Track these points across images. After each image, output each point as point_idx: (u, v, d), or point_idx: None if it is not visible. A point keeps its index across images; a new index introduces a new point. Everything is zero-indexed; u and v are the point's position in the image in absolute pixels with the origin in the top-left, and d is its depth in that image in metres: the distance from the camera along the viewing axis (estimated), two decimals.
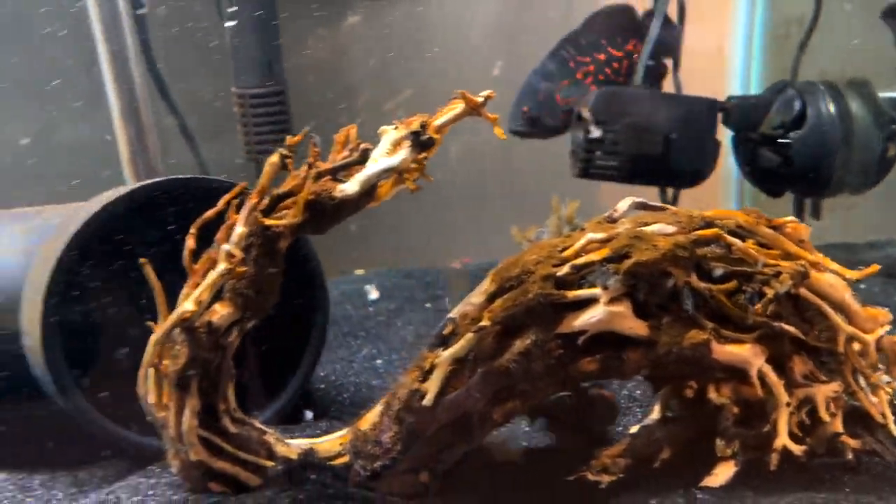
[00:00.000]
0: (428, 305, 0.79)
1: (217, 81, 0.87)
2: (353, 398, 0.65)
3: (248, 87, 0.80)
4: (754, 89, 0.88)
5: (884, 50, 0.85)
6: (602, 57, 0.73)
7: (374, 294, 0.84)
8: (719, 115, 0.77)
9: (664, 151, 0.75)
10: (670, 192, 0.87)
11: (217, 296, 0.49)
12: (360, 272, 0.93)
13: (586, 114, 0.75)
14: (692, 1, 0.84)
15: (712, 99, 0.80)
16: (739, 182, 0.90)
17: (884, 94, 0.77)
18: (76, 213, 0.55)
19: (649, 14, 0.76)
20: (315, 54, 0.95)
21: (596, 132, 0.74)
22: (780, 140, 0.76)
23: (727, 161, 0.81)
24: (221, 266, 0.45)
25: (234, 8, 0.79)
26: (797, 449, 0.50)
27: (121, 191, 0.54)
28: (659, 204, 0.54)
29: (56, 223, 0.60)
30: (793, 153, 0.76)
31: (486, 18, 1.00)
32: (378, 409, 0.55)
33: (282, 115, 0.80)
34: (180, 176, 0.55)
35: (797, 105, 0.76)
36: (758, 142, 0.78)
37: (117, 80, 0.81)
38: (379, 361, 0.70)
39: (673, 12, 0.83)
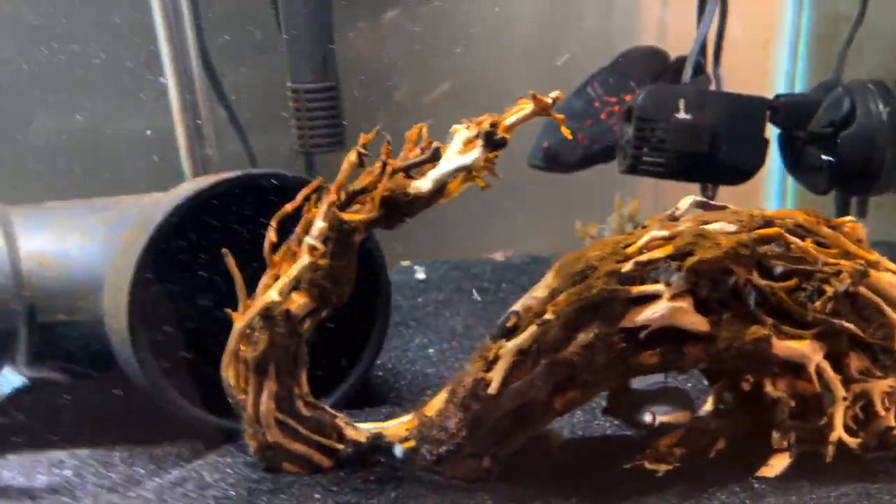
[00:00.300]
0: (476, 296, 0.81)
1: (269, 75, 0.90)
2: (409, 386, 0.67)
3: (303, 82, 0.82)
4: (800, 86, 0.88)
5: None
6: (629, 98, 0.74)
7: (421, 275, 0.86)
8: (767, 113, 0.79)
9: (711, 149, 0.77)
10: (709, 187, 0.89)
11: (295, 285, 0.52)
12: (406, 263, 0.96)
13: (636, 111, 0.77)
14: None
15: (760, 97, 0.81)
16: (782, 180, 0.91)
17: None
18: (157, 205, 0.58)
19: (681, 59, 0.77)
20: (360, 51, 0.97)
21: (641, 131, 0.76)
22: (830, 140, 0.78)
23: (770, 159, 0.82)
24: (305, 259, 0.48)
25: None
26: (852, 442, 0.52)
27: (201, 184, 0.56)
28: (720, 203, 0.56)
29: (132, 213, 0.63)
30: (841, 152, 0.77)
31: (527, 14, 1.01)
32: (443, 396, 0.57)
33: (334, 111, 0.82)
34: (257, 170, 0.58)
35: (846, 104, 0.77)
36: (806, 140, 0.80)
37: (177, 72, 0.83)
38: (431, 350, 0.72)
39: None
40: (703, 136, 0.78)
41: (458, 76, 1.00)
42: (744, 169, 0.80)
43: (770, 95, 0.86)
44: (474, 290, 0.79)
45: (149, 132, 0.84)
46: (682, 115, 0.77)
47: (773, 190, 0.92)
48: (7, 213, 0.64)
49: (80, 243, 0.62)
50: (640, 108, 0.79)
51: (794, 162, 0.83)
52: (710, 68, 0.84)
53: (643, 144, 0.79)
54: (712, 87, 0.79)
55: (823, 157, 0.77)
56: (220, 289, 0.57)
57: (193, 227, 0.59)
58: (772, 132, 0.83)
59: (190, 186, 0.58)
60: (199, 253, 0.58)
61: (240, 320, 0.51)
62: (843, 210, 0.88)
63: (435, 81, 1.00)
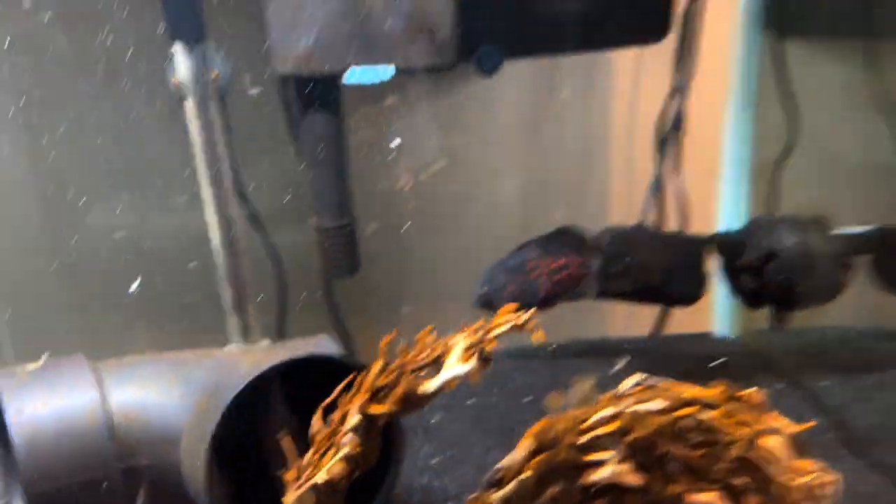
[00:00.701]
0: (468, 402, 0.98)
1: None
2: (426, 487, 0.85)
3: (325, 223, 0.98)
4: (742, 220, 1.04)
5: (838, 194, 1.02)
6: (553, 265, 0.91)
7: None
8: (704, 251, 0.95)
9: (662, 281, 0.94)
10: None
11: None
12: None
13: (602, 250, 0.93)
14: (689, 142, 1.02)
15: (701, 237, 0.97)
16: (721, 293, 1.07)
17: (842, 230, 0.94)
18: (233, 371, 0.74)
19: (600, 234, 0.95)
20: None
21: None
22: (759, 269, 0.94)
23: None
24: (345, 451, 0.64)
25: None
26: None
27: (262, 365, 0.73)
28: (655, 381, 0.73)
29: (204, 372, 0.79)
30: (768, 281, 0.94)
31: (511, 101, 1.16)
32: None
33: (349, 250, 0.98)
34: (308, 354, 0.74)
35: (769, 241, 0.94)
36: (740, 269, 0.97)
37: (210, 170, 0.97)
38: (434, 460, 0.89)
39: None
40: (652, 270, 0.96)
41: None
42: (688, 297, 0.97)
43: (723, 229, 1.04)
44: (470, 400, 0.97)
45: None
46: (638, 254, 0.95)
47: (719, 300, 1.09)
48: (99, 370, 0.81)
49: (158, 400, 0.79)
50: (607, 248, 0.96)
51: (735, 286, 1.00)
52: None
53: (607, 276, 0.96)
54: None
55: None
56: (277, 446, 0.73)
57: (260, 398, 0.75)
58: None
59: (251, 363, 0.74)
60: (264, 416, 0.75)
61: (291, 494, 0.68)
62: (778, 319, 1.05)
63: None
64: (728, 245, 0.95)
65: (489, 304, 0.93)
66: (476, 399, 0.99)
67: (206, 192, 0.95)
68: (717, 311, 1.09)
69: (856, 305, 0.95)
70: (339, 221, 0.97)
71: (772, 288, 0.93)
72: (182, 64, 0.89)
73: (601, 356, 1.08)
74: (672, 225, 1.09)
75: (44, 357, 0.82)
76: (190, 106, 0.90)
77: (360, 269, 1.00)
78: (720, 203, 1.05)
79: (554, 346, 1.09)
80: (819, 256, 0.90)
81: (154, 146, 0.99)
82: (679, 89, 1.01)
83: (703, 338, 1.11)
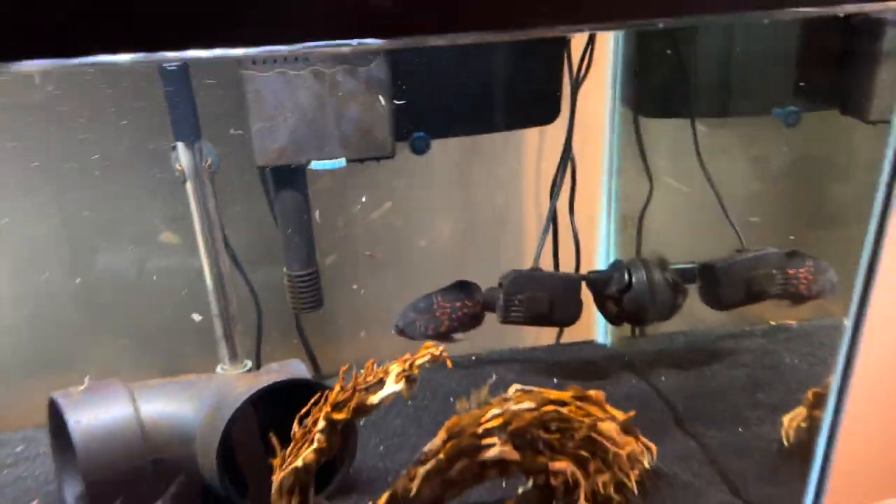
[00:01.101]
0: (408, 403, 1.29)
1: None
2: (368, 477, 1.15)
3: (293, 271, 1.27)
4: (610, 260, 1.37)
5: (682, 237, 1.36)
6: (451, 306, 1.22)
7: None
8: (580, 285, 1.27)
9: (549, 309, 1.25)
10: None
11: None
12: None
13: (503, 286, 1.24)
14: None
15: (578, 275, 1.29)
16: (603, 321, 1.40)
17: (676, 265, 1.27)
18: (229, 394, 1.03)
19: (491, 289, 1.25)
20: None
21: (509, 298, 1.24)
22: (618, 298, 1.27)
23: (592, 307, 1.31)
24: (315, 445, 0.94)
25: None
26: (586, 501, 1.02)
27: (254, 385, 1.02)
28: (529, 388, 1.03)
29: (211, 392, 1.08)
30: (625, 305, 1.26)
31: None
32: (385, 495, 1.04)
33: (315, 288, 1.27)
34: (292, 378, 1.03)
35: (626, 276, 1.26)
36: (606, 298, 1.29)
37: (203, 230, 1.25)
38: (381, 448, 1.20)
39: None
40: (542, 301, 1.27)
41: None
42: (569, 319, 1.28)
43: (597, 262, 1.36)
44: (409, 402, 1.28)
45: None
46: (529, 291, 1.26)
47: (601, 322, 1.41)
48: (131, 389, 1.08)
49: (177, 412, 1.07)
50: (507, 285, 1.26)
51: (603, 310, 1.32)
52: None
53: (509, 307, 1.27)
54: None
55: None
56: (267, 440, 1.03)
57: (255, 410, 1.04)
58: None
59: (247, 385, 1.03)
60: (261, 418, 1.04)
61: (278, 475, 0.97)
62: (633, 331, 1.38)
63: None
64: (597, 281, 1.27)
65: (403, 334, 1.24)
66: (413, 402, 1.30)
67: (202, 247, 1.23)
68: (598, 324, 1.42)
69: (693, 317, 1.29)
70: (306, 270, 1.25)
71: (628, 312, 1.25)
72: (183, 156, 1.17)
73: (512, 362, 1.40)
74: (567, 257, 1.40)
75: (86, 380, 1.09)
76: (189, 186, 1.19)
77: (323, 305, 1.29)
78: (598, 245, 1.38)
79: (474, 357, 1.40)
80: (659, 287, 1.23)
81: (162, 211, 1.27)
82: (563, 159, 1.32)
83: (588, 345, 1.44)
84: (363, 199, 1.39)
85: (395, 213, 1.40)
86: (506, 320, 1.24)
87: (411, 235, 1.43)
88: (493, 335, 1.43)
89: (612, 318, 1.29)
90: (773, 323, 1.41)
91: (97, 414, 1.03)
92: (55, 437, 1.09)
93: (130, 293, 1.30)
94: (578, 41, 1.25)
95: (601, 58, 1.28)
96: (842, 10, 0.72)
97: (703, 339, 1.38)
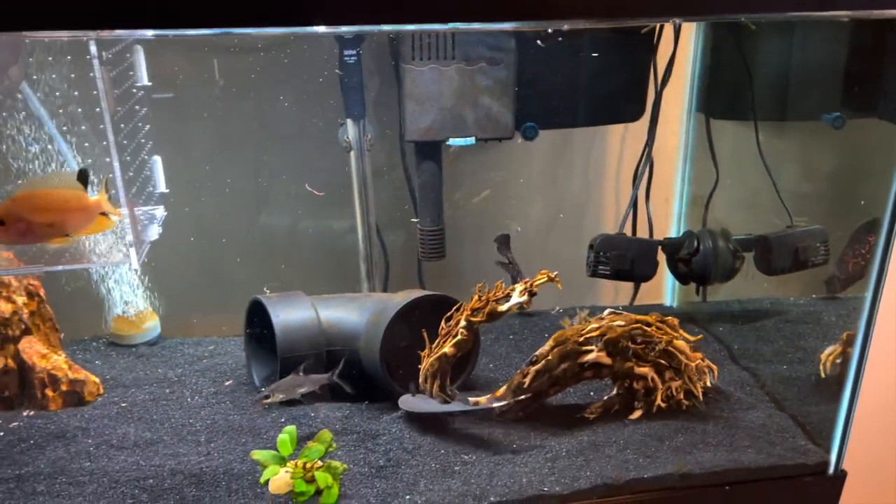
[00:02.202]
0: (510, 336, 1.59)
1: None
2: (483, 382, 1.45)
3: (425, 226, 1.59)
4: (682, 231, 1.66)
5: (740, 215, 1.64)
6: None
7: None
8: (658, 249, 1.56)
9: (630, 266, 1.54)
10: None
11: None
12: None
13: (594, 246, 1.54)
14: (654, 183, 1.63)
15: (656, 240, 1.58)
16: (673, 280, 1.68)
17: (737, 236, 1.54)
18: (387, 304, 1.34)
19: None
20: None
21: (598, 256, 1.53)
22: (688, 260, 1.55)
23: (664, 269, 1.60)
24: (458, 338, 1.24)
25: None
26: (663, 404, 1.29)
27: (410, 297, 1.33)
28: (619, 310, 1.32)
29: (370, 304, 1.39)
30: (693, 267, 1.55)
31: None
32: (504, 387, 1.34)
33: (440, 242, 1.59)
34: (434, 293, 1.34)
35: (696, 243, 1.54)
36: (677, 260, 1.57)
37: (359, 192, 1.58)
38: (491, 365, 1.50)
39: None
40: (626, 259, 1.56)
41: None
42: (646, 276, 1.57)
43: (671, 234, 1.65)
44: (511, 336, 1.58)
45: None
46: (615, 250, 1.55)
47: (669, 282, 1.70)
48: (312, 301, 1.41)
49: (347, 314, 1.39)
50: (598, 245, 1.56)
51: (673, 270, 1.61)
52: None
53: (598, 263, 1.56)
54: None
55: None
56: (415, 341, 1.33)
57: (409, 315, 1.35)
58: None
59: (402, 298, 1.34)
60: (410, 326, 1.35)
61: (427, 358, 1.28)
62: (698, 291, 1.66)
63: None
64: (671, 246, 1.56)
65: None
66: (513, 335, 1.59)
67: (356, 206, 1.57)
68: (666, 290, 1.70)
69: (746, 284, 1.56)
70: (435, 226, 1.57)
71: (695, 272, 1.53)
72: (351, 131, 1.51)
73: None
74: (641, 233, 1.69)
75: (266, 291, 1.42)
76: (352, 155, 1.53)
77: (445, 256, 1.61)
78: (672, 220, 1.67)
79: (562, 309, 1.70)
80: (722, 253, 1.51)
81: (328, 176, 1.60)
82: (647, 152, 1.62)
83: (658, 306, 1.72)
84: (486, 192, 1.72)
85: (494, 189, 1.72)
86: (593, 274, 1.54)
87: (507, 208, 1.75)
88: (576, 296, 1.73)
89: (681, 278, 1.57)
90: (814, 296, 1.67)
91: (290, 312, 1.36)
92: (249, 332, 1.43)
93: (298, 236, 1.64)
94: (663, 51, 1.55)
95: (679, 67, 1.59)
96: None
97: (755, 304, 1.65)
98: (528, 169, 1.74)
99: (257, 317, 1.40)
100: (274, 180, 1.61)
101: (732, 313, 1.64)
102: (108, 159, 0.93)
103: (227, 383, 1.43)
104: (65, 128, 1.12)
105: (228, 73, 1.49)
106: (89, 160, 1.11)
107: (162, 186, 1.06)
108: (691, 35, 1.59)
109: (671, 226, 1.69)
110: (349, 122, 1.51)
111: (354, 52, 1.46)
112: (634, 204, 1.67)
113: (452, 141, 1.49)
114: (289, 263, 1.63)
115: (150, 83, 1.01)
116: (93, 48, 0.88)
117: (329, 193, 1.58)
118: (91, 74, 0.88)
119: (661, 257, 1.57)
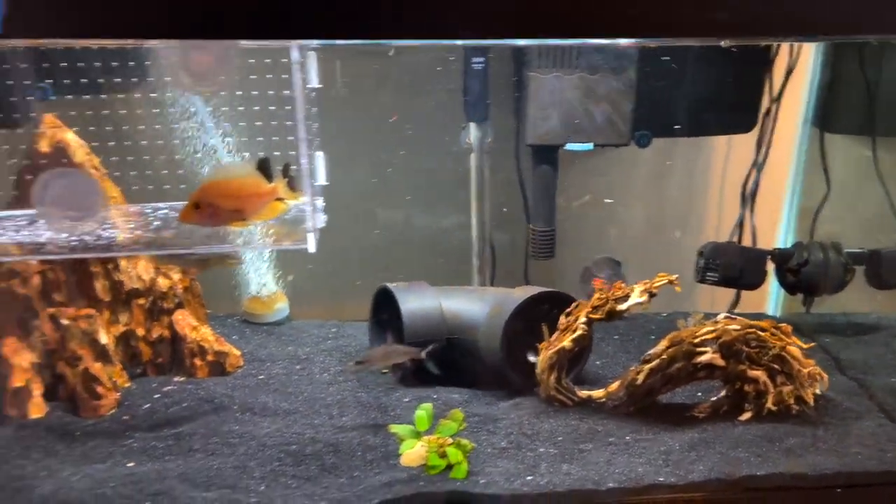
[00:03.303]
0: (615, 337, 1.65)
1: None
2: (592, 378, 1.52)
3: (538, 227, 1.67)
4: (790, 242, 1.69)
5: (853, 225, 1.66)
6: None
7: None
8: (767, 259, 1.60)
9: (739, 274, 1.59)
10: None
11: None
12: None
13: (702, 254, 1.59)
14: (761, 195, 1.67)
15: (765, 249, 1.62)
16: (778, 289, 1.71)
17: (848, 249, 1.57)
18: (508, 298, 1.43)
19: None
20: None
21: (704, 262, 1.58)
22: (797, 271, 1.58)
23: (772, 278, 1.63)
24: (578, 332, 1.32)
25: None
26: (773, 407, 1.33)
27: (529, 292, 1.41)
28: (732, 315, 1.37)
29: (489, 298, 1.48)
30: (802, 278, 1.58)
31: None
32: (617, 382, 1.40)
33: (550, 243, 1.66)
34: (552, 289, 1.42)
35: (805, 254, 1.58)
36: (786, 270, 1.61)
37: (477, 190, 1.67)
38: (598, 363, 1.57)
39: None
40: (735, 267, 1.60)
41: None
42: (754, 284, 1.61)
43: (779, 246, 1.69)
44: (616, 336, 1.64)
45: None
46: (725, 258, 1.60)
47: (774, 291, 1.73)
48: (435, 291, 1.51)
49: (467, 306, 1.49)
50: (708, 252, 1.61)
51: (782, 281, 1.64)
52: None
53: (707, 269, 1.61)
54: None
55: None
56: (534, 334, 1.41)
57: (528, 310, 1.43)
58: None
59: (521, 293, 1.43)
60: (530, 319, 1.43)
61: (544, 352, 1.36)
62: (805, 303, 1.68)
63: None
64: (780, 256, 1.59)
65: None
66: (618, 336, 1.66)
67: (472, 204, 1.66)
68: (769, 299, 1.73)
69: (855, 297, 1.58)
70: (548, 227, 1.65)
71: (804, 283, 1.57)
72: (473, 133, 1.60)
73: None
74: (748, 243, 1.73)
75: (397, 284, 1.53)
76: (473, 157, 1.62)
77: (555, 256, 1.68)
78: (779, 231, 1.70)
79: (665, 314, 1.75)
80: (833, 265, 1.54)
81: (446, 178, 1.70)
82: (758, 162, 1.66)
83: (760, 315, 1.75)
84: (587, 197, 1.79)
85: (604, 197, 1.79)
86: (702, 280, 1.59)
87: (613, 212, 1.81)
88: (675, 302, 1.78)
89: (789, 288, 1.60)
90: None
91: (416, 300, 1.46)
92: (374, 317, 1.54)
93: (418, 230, 1.74)
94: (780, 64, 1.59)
95: (796, 81, 1.62)
96: None
97: (861, 317, 1.66)
98: (635, 175, 1.80)
99: (383, 303, 1.51)
100: (397, 177, 1.71)
101: (838, 325, 1.66)
102: (291, 153, 1.04)
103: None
104: (242, 124, 1.25)
105: (362, 76, 1.60)
106: (259, 153, 1.24)
107: (323, 179, 1.17)
108: (811, 50, 1.62)
109: (778, 237, 1.73)
110: (472, 125, 1.60)
111: (482, 59, 1.55)
112: (743, 215, 1.71)
113: (570, 146, 1.57)
114: (405, 256, 1.74)
115: (320, 85, 1.12)
116: (294, 54, 1.00)
117: (446, 192, 1.68)
118: (284, 76, 1.00)
119: (770, 267, 1.61)
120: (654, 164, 1.80)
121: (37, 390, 1.35)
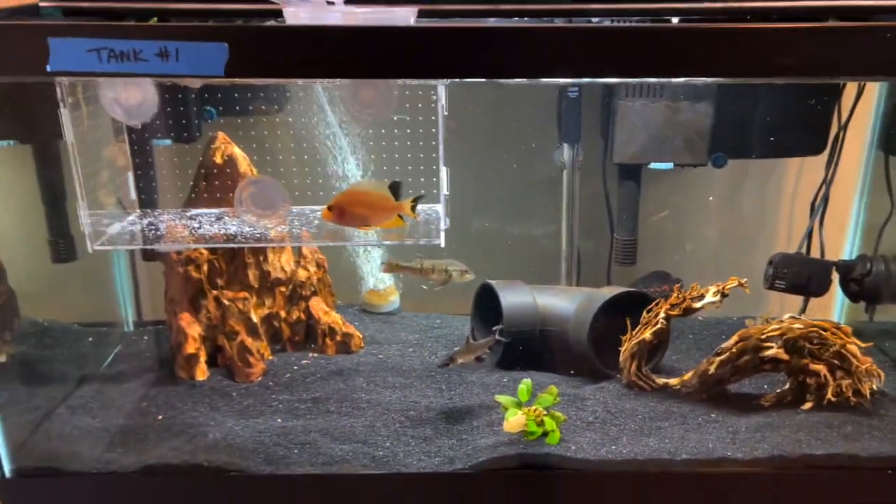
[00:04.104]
0: (691, 337, 1.83)
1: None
2: (670, 369, 1.70)
3: (622, 237, 1.87)
4: (854, 254, 1.84)
5: None
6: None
7: None
8: (833, 269, 1.75)
9: (806, 283, 1.75)
10: None
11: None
12: None
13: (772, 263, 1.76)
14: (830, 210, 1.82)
15: (830, 261, 1.77)
16: (842, 297, 1.86)
17: None
18: (595, 295, 1.64)
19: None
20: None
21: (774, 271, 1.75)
22: (860, 280, 1.73)
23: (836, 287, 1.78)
24: (658, 326, 1.51)
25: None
26: (833, 398, 1.48)
27: (615, 290, 1.62)
28: (797, 316, 1.53)
29: (577, 296, 1.70)
30: (864, 287, 1.73)
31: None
32: (691, 373, 1.59)
33: (632, 250, 1.86)
34: (633, 290, 1.62)
35: (868, 265, 1.72)
36: (850, 280, 1.75)
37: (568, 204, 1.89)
38: (674, 357, 1.75)
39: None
40: (803, 276, 1.76)
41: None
42: (820, 292, 1.77)
43: (845, 257, 1.83)
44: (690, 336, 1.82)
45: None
46: (794, 267, 1.76)
47: (839, 300, 1.87)
48: (531, 290, 1.73)
49: (558, 301, 1.70)
50: (777, 261, 1.77)
51: (846, 290, 1.78)
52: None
53: (776, 277, 1.77)
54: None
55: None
56: (616, 328, 1.62)
57: (612, 306, 1.64)
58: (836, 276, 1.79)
59: (608, 292, 1.63)
60: (613, 316, 1.64)
61: (627, 344, 1.56)
62: (867, 311, 1.82)
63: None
64: (845, 266, 1.74)
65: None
66: (692, 335, 1.84)
67: (563, 215, 1.88)
68: (836, 303, 1.88)
69: None
70: (631, 237, 1.85)
71: (866, 291, 1.71)
72: (566, 153, 1.83)
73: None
74: (816, 254, 1.88)
75: (496, 281, 1.76)
76: (566, 172, 1.84)
77: (636, 263, 1.88)
78: (845, 245, 1.85)
79: (736, 318, 1.91)
80: (894, 276, 1.68)
81: (540, 191, 1.93)
82: (827, 180, 1.81)
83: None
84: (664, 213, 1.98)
85: (678, 215, 1.97)
86: (770, 287, 1.75)
87: (688, 226, 1.99)
88: (746, 308, 1.94)
89: (852, 296, 1.75)
90: None
91: (514, 296, 1.69)
92: (475, 311, 1.77)
93: (517, 237, 1.97)
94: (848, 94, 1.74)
95: (865, 106, 1.77)
96: None
97: None
98: (710, 193, 1.98)
99: (484, 298, 1.74)
100: (499, 190, 1.95)
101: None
102: (434, 168, 1.29)
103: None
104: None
105: (472, 101, 1.85)
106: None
107: (446, 189, 1.41)
108: (876, 83, 1.78)
109: (844, 251, 1.87)
110: (565, 145, 1.82)
111: (576, 89, 1.77)
112: (811, 229, 1.87)
113: (654, 165, 1.77)
114: (501, 259, 1.97)
115: (446, 113, 1.36)
116: (440, 90, 1.25)
117: (539, 204, 1.91)
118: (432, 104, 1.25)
119: (834, 277, 1.76)
120: (732, 183, 1.98)
121: (202, 357, 1.64)
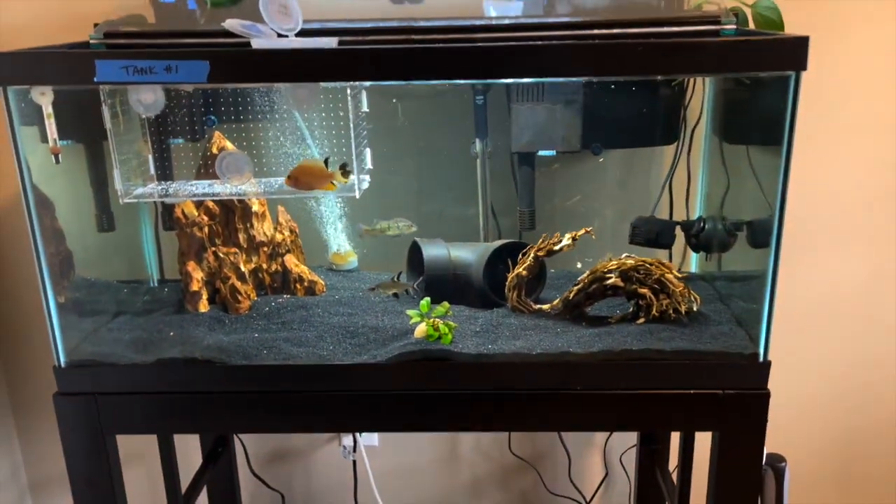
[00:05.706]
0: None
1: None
2: (543, 298, 2.19)
3: (522, 208, 2.38)
4: (696, 217, 2.33)
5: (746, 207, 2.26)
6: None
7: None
8: (676, 227, 2.23)
9: (656, 237, 2.23)
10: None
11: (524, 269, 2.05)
12: None
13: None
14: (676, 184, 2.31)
15: (675, 221, 2.26)
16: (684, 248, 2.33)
17: (731, 220, 2.18)
18: (490, 247, 2.14)
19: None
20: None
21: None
22: (697, 235, 2.21)
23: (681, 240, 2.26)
24: (527, 263, 2.00)
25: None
26: (656, 314, 1.95)
27: (497, 244, 2.12)
28: (632, 256, 2.01)
29: (479, 248, 2.20)
30: (700, 240, 2.20)
31: None
32: (558, 300, 2.07)
33: (532, 220, 2.37)
34: (515, 241, 2.12)
35: (702, 224, 2.20)
36: (691, 235, 2.23)
37: (482, 188, 2.42)
38: (555, 294, 2.24)
39: None
40: (653, 231, 2.24)
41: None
42: (667, 244, 2.24)
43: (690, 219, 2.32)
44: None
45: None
46: (646, 226, 2.24)
47: (694, 257, 2.35)
48: (445, 243, 2.24)
49: (464, 253, 2.20)
50: (635, 221, 2.26)
51: (688, 242, 2.26)
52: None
53: (634, 234, 2.26)
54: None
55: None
56: (502, 268, 2.12)
57: (499, 255, 2.15)
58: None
59: (498, 243, 2.14)
60: (498, 262, 2.14)
61: (511, 276, 2.06)
62: (707, 258, 2.29)
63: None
64: (686, 225, 2.22)
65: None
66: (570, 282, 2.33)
67: (480, 196, 2.39)
68: (690, 261, 2.35)
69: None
70: (529, 207, 2.35)
71: (701, 243, 2.18)
72: (477, 146, 2.35)
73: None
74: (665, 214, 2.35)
75: (422, 240, 2.27)
76: (478, 162, 2.36)
77: (536, 228, 2.38)
78: (696, 213, 2.34)
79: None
80: (719, 232, 2.15)
81: (455, 179, 2.45)
82: (675, 163, 2.30)
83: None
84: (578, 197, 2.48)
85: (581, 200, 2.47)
86: (631, 241, 2.24)
87: (587, 216, 2.49)
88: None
89: (693, 248, 2.22)
90: None
91: (433, 249, 2.20)
92: (409, 262, 2.29)
93: (440, 213, 2.49)
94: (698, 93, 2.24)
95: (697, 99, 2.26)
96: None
97: (745, 271, 2.26)
98: (601, 185, 2.49)
99: (415, 253, 2.26)
100: (423, 178, 2.47)
101: (731, 276, 2.26)
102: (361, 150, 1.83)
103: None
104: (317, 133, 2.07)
105: (406, 106, 2.39)
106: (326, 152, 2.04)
107: (370, 164, 1.95)
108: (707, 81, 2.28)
109: (694, 215, 2.35)
110: (477, 140, 2.35)
111: (482, 97, 2.30)
112: (660, 197, 2.35)
113: (541, 152, 2.28)
114: (433, 229, 2.48)
115: (367, 110, 1.90)
116: (361, 94, 1.80)
117: (459, 186, 2.43)
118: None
119: (680, 235, 2.24)
120: (616, 172, 2.48)
121: (204, 295, 2.18)
